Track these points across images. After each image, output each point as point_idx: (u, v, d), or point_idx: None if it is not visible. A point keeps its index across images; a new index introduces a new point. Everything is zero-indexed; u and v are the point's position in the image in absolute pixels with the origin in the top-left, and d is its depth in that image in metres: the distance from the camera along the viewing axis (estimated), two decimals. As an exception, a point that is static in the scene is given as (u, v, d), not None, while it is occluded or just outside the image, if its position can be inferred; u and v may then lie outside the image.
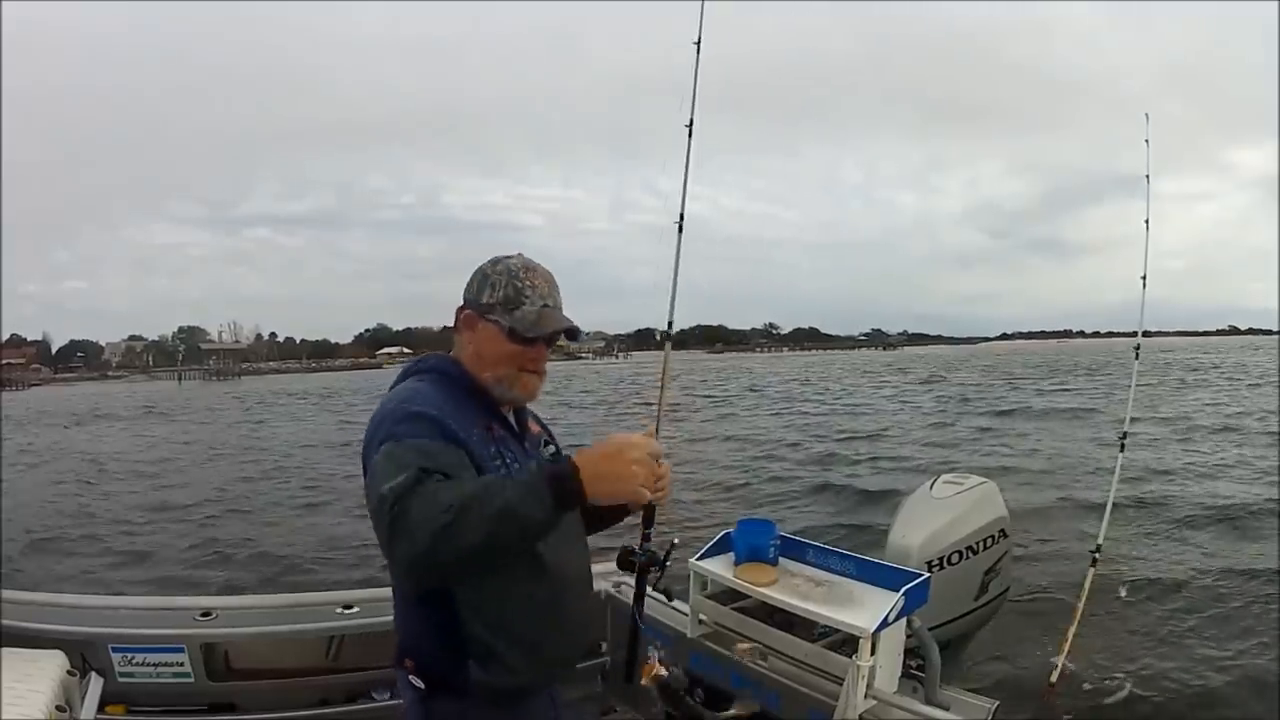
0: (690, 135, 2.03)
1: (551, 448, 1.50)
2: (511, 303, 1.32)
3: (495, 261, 1.36)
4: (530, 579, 1.28)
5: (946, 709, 1.74)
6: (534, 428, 1.48)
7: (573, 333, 1.37)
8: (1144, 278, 2.81)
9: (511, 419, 1.41)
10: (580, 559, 1.44)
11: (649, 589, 1.58)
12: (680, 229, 2.01)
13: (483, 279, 1.35)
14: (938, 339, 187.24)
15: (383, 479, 1.11)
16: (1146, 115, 2.95)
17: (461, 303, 1.37)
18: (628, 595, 2.38)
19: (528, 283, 1.33)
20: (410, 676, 1.30)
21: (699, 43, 2.05)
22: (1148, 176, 2.85)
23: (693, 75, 2.04)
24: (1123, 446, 2.62)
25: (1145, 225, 2.84)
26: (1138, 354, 2.74)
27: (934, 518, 2.37)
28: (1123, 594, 4.90)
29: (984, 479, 2.58)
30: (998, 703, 1.82)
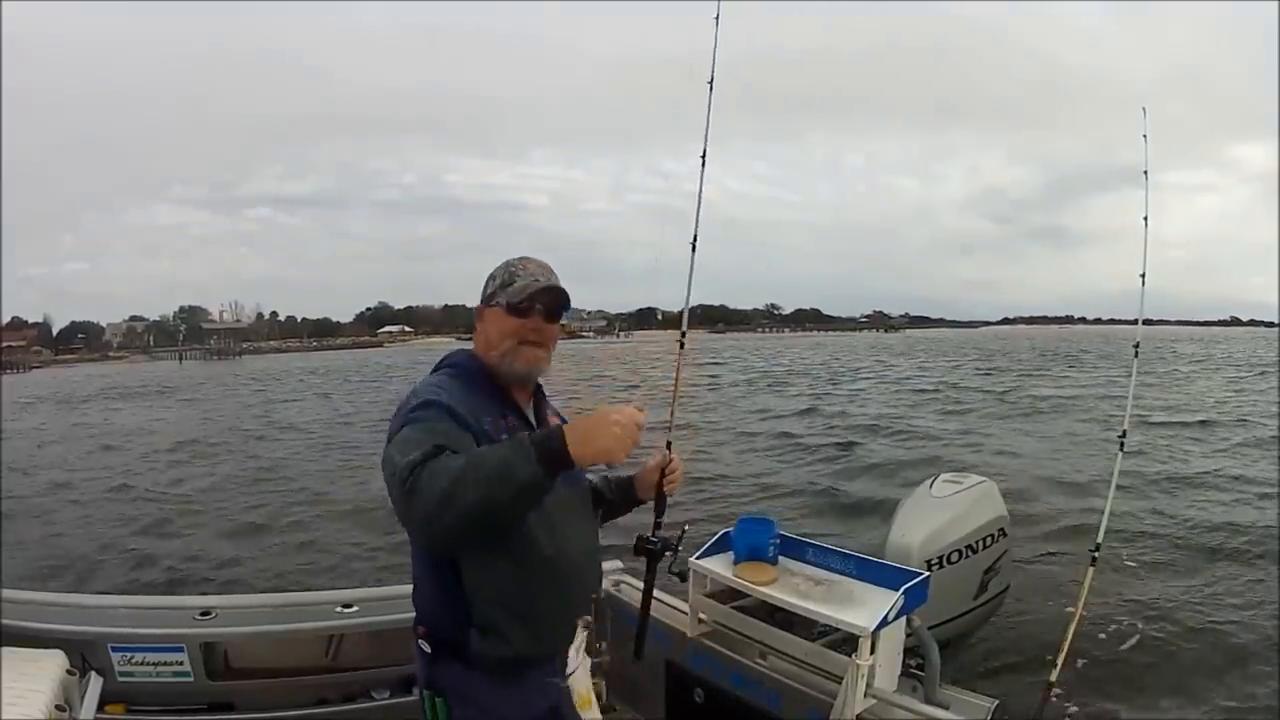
0: (711, 91, 1.98)
1: None
2: (506, 283, 1.48)
3: (501, 263, 1.53)
4: (531, 557, 1.39)
5: (946, 708, 1.74)
6: (553, 419, 1.57)
7: (560, 296, 1.48)
8: (1143, 275, 2.80)
9: (530, 412, 1.52)
10: (586, 538, 1.54)
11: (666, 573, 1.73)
12: (699, 204, 1.96)
13: (489, 278, 1.51)
14: (940, 322, 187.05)
15: (400, 456, 1.22)
16: (1144, 110, 2.93)
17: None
18: (627, 594, 2.39)
19: (521, 266, 1.50)
20: (420, 641, 1.43)
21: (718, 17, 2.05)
22: (1146, 172, 2.84)
23: (713, 39, 2.01)
24: (1122, 446, 2.61)
25: (1144, 222, 2.82)
26: (1137, 351, 2.72)
27: (934, 517, 2.37)
28: (1123, 593, 4.90)
29: (983, 478, 2.58)
30: (997, 702, 1.82)
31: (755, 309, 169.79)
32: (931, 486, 2.51)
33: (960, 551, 2.36)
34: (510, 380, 1.48)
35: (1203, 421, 13.47)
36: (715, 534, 2.08)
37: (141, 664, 2.12)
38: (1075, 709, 3.50)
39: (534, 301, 1.46)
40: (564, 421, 1.59)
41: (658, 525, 1.62)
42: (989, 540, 2.45)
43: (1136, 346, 2.73)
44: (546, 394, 1.62)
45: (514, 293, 1.45)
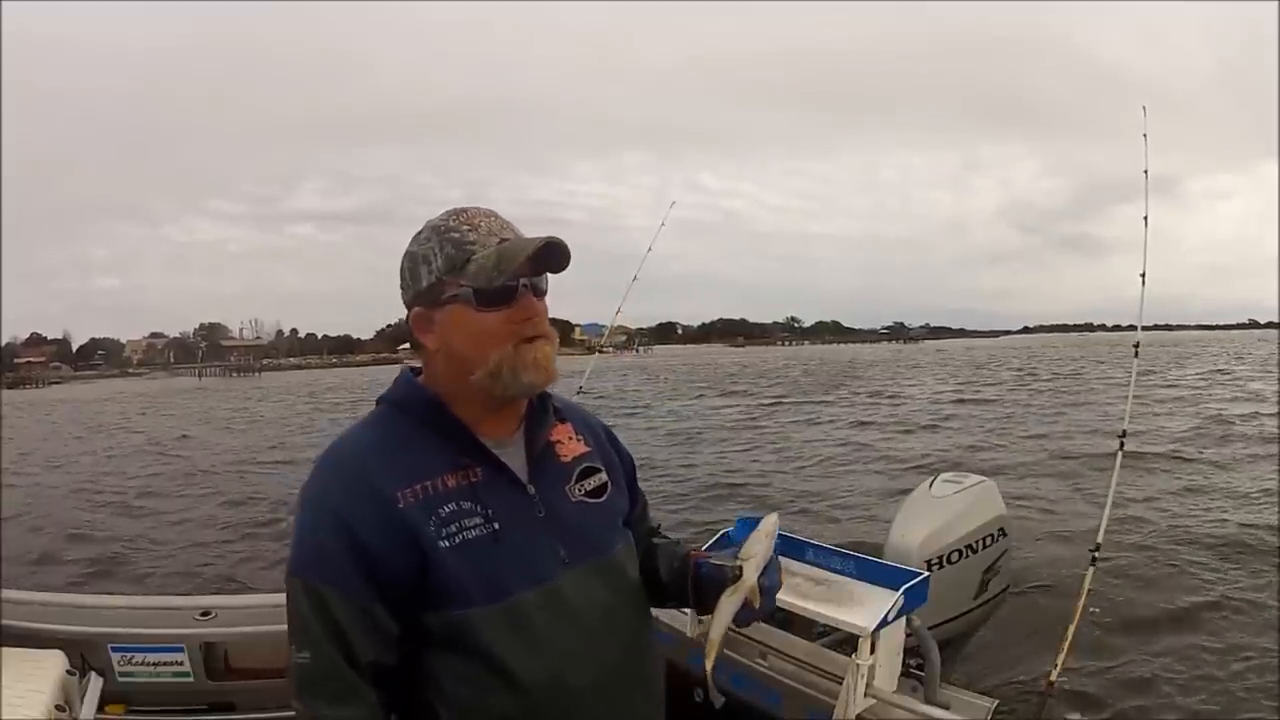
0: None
1: (600, 476, 1.08)
2: (458, 261, 0.95)
3: (414, 238, 1.01)
4: (501, 689, 0.95)
5: (946, 708, 1.74)
6: (572, 446, 1.08)
7: (556, 253, 0.97)
8: (1143, 275, 2.81)
9: (518, 445, 1.02)
10: (609, 664, 1.02)
11: None
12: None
13: (412, 263, 0.99)
14: (960, 333, 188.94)
15: (295, 633, 0.95)
16: (1144, 109, 2.95)
17: (406, 312, 1.01)
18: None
19: (467, 227, 0.97)
20: None
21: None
22: (1146, 172, 2.85)
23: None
24: (1122, 445, 2.62)
25: (1144, 222, 2.83)
26: (1137, 351, 2.73)
27: (933, 516, 2.37)
28: (1123, 593, 4.89)
29: (983, 477, 2.58)
30: (997, 702, 1.82)
31: (775, 322, 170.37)
32: (931, 486, 2.51)
33: (960, 551, 2.36)
34: (509, 400, 1.00)
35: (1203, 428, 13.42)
36: (715, 534, 2.08)
37: (141, 664, 2.12)
38: (1075, 709, 3.50)
39: (517, 276, 0.95)
40: (600, 439, 1.13)
41: None
42: (989, 540, 2.44)
43: (1136, 347, 2.74)
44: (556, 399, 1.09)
45: (484, 272, 0.94)
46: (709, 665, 1.08)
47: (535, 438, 1.04)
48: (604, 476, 1.09)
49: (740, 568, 1.05)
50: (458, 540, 0.94)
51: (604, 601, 1.02)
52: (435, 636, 0.95)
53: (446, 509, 0.94)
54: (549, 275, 1.00)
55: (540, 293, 0.99)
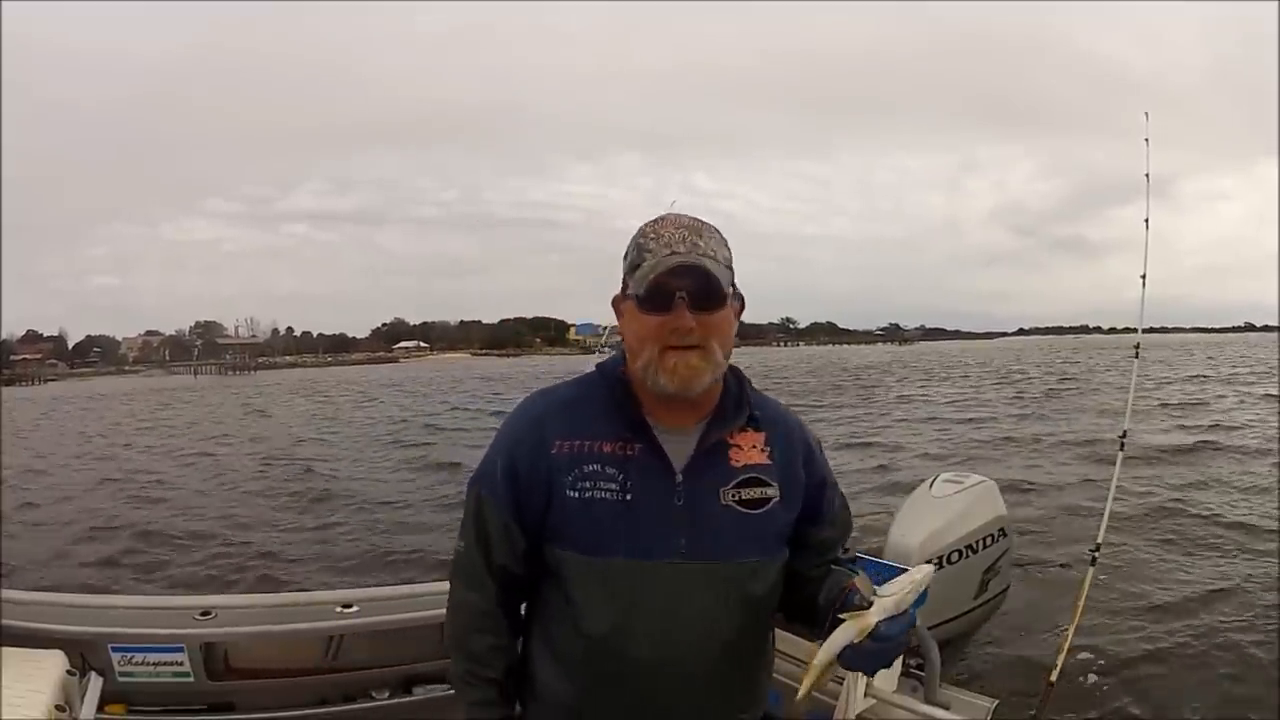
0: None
1: (765, 490, 1.10)
2: (634, 264, 1.06)
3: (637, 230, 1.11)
4: (573, 631, 1.08)
5: (946, 708, 1.74)
6: (750, 454, 1.11)
7: (700, 276, 1.02)
8: (1144, 277, 2.82)
9: (693, 439, 1.09)
10: (692, 632, 1.07)
11: None
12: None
13: (624, 258, 1.11)
14: (955, 334, 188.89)
15: (461, 527, 1.16)
16: (1147, 114, 2.95)
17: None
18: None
19: (651, 235, 1.05)
20: None
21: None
22: (1148, 175, 2.86)
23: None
24: (1122, 446, 2.62)
25: (1145, 224, 2.84)
26: (1137, 353, 2.74)
27: (933, 516, 2.37)
28: (1122, 593, 4.90)
29: (983, 477, 2.58)
30: (997, 701, 1.82)
31: (771, 323, 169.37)
32: (931, 486, 2.51)
33: (960, 551, 2.36)
34: (661, 398, 1.07)
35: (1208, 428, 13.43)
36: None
37: (141, 664, 2.12)
38: (1075, 709, 3.50)
39: (670, 289, 1.02)
40: (786, 452, 1.14)
41: None
42: (989, 540, 2.44)
43: (1137, 349, 2.74)
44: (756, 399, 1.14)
45: (640, 280, 1.03)
46: (801, 691, 1.05)
47: (709, 434, 1.10)
48: (771, 492, 1.11)
49: (872, 601, 1.01)
50: (585, 496, 1.06)
51: (702, 601, 1.07)
52: (547, 568, 1.10)
53: (589, 468, 1.07)
54: (725, 290, 1.04)
55: (703, 307, 1.02)
